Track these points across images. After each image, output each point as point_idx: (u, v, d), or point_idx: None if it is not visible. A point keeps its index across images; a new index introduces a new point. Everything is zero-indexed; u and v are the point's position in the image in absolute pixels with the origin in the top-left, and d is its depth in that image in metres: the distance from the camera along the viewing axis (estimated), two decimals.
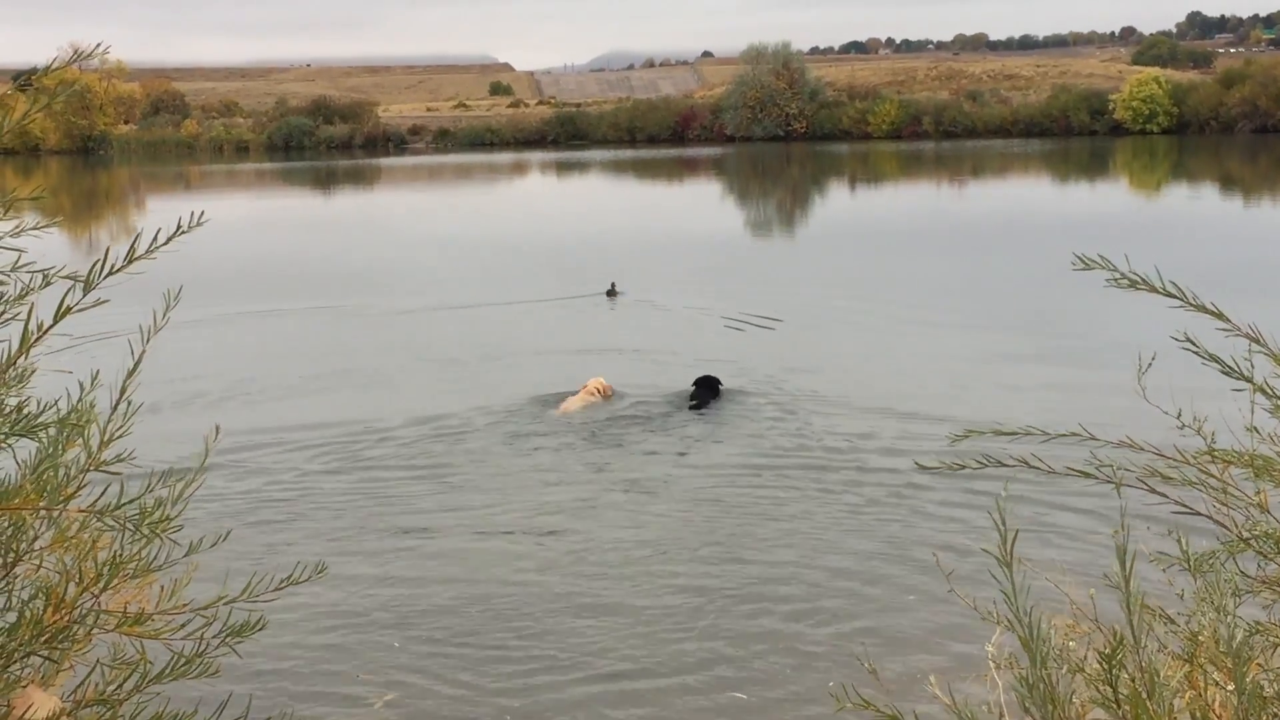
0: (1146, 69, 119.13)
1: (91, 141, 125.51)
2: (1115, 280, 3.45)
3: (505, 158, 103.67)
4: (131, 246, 2.89)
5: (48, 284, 2.99)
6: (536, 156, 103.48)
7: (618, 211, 54.75)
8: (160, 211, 58.06)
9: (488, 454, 16.09)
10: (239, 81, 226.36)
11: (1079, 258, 3.48)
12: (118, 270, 2.88)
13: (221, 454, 15.49)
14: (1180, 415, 4.05)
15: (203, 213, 3.03)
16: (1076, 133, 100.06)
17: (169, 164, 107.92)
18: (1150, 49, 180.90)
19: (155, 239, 2.94)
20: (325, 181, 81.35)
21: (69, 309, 2.86)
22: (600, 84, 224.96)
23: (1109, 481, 3.75)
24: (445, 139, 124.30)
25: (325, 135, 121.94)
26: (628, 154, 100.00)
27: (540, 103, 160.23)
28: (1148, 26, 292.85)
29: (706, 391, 18.60)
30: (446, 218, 54.04)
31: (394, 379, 20.58)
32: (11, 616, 3.05)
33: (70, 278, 2.90)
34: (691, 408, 18.19)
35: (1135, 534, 3.12)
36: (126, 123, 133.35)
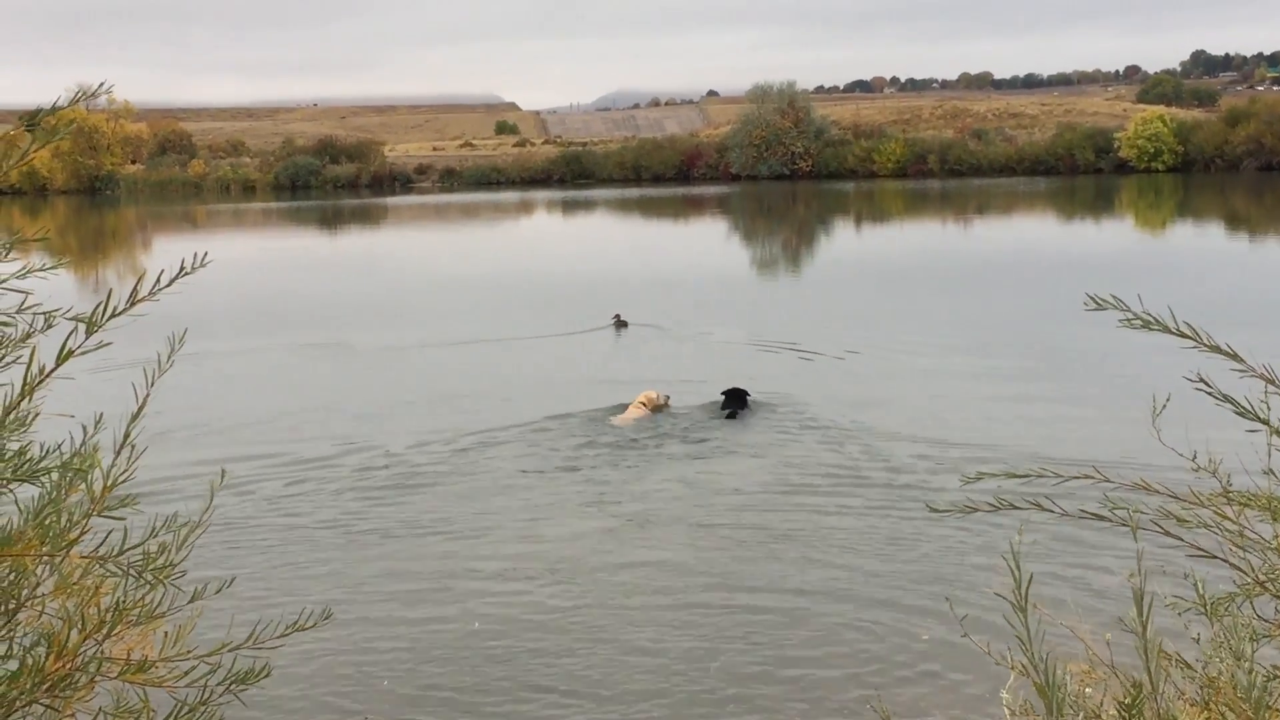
0: (1151, 107, 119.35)
1: (99, 181, 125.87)
2: (1128, 321, 3.41)
3: (511, 196, 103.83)
4: (135, 289, 2.86)
5: (50, 326, 2.95)
6: (542, 195, 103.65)
7: (627, 249, 54.72)
8: (166, 252, 58.26)
9: (499, 487, 16.13)
10: (246, 121, 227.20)
11: (1091, 298, 3.44)
12: (120, 313, 2.85)
13: (226, 490, 15.48)
14: (1195, 457, 4.01)
15: (206, 254, 3.00)
16: (1081, 171, 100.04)
17: (176, 204, 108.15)
18: (1155, 87, 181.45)
19: (158, 281, 2.91)
20: (332, 221, 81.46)
21: (71, 352, 2.83)
22: (606, 123, 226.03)
23: (1123, 524, 3.70)
24: (451, 178, 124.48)
25: (332, 175, 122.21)
26: (634, 192, 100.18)
27: (546, 142, 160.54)
28: (1152, 65, 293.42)
29: (736, 401, 19.92)
30: (456, 256, 54.10)
31: (403, 413, 20.54)
32: (13, 664, 3.01)
33: (74, 319, 2.87)
34: (727, 416, 19.50)
35: (1150, 577, 3.08)
36: (134, 162, 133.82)
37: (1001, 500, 3.85)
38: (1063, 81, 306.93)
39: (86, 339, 2.83)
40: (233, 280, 41.38)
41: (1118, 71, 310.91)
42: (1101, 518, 3.76)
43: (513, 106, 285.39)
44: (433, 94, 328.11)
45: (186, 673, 3.16)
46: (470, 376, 24.06)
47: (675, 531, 14.02)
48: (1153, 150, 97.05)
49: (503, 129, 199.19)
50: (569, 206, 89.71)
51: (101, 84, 3.04)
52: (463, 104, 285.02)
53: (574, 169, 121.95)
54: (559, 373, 24.38)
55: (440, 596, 12.20)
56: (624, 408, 19.89)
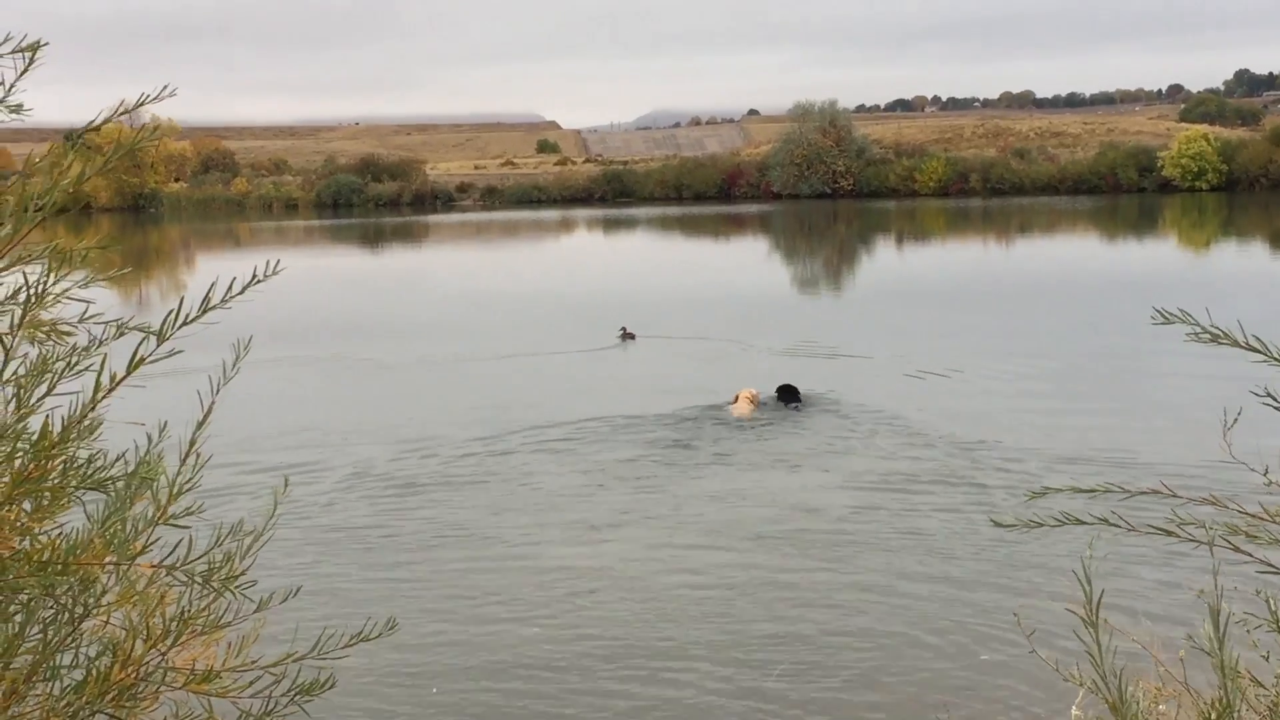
0: (1194, 126, 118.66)
1: (142, 199, 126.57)
2: (1196, 335, 3.37)
3: (552, 215, 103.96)
4: (206, 296, 2.85)
5: (120, 335, 2.95)
6: (583, 213, 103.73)
7: (666, 266, 54.68)
8: (211, 269, 58.60)
9: (555, 495, 16.28)
10: (289, 140, 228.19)
11: (1159, 311, 3.39)
12: (192, 320, 2.84)
13: (288, 501, 15.53)
14: (1267, 472, 3.95)
15: (278, 261, 2.99)
16: (1124, 190, 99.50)
17: (219, 221, 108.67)
18: (1198, 106, 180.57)
19: (230, 288, 2.90)
20: (373, 238, 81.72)
21: (143, 360, 2.82)
22: (647, 142, 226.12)
23: (1192, 540, 3.65)
24: (493, 196, 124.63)
25: (374, 193, 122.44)
26: (675, 210, 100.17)
27: (587, 160, 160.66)
28: (1195, 84, 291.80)
29: (791, 395, 21.47)
30: (497, 273, 54.15)
31: (451, 424, 20.62)
32: (78, 673, 3.00)
33: (144, 329, 2.86)
34: (794, 409, 21.02)
35: (1221, 594, 3.03)
36: (177, 180, 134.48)
37: (1067, 516, 3.80)
38: (1105, 100, 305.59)
39: (157, 347, 2.82)
40: (275, 296, 41.46)
41: (1160, 90, 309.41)
42: (1170, 534, 3.70)
43: (554, 125, 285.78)
44: (474, 113, 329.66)
45: (251, 683, 3.15)
46: (514, 388, 24.22)
47: (736, 540, 14.06)
48: (1196, 169, 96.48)
49: (544, 148, 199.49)
50: (610, 224, 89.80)
51: (143, 94, 3.01)
52: (504, 123, 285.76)
53: (615, 187, 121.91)
54: (608, 383, 24.56)
55: (496, 605, 12.21)
56: (731, 402, 21.26)
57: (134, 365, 2.80)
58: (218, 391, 3.10)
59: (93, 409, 2.93)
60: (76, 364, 2.88)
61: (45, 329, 3.12)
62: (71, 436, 2.81)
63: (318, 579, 13.05)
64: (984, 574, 12.64)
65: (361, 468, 17.83)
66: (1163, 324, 3.39)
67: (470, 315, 36.87)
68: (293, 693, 3.18)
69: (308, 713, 3.27)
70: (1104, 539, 3.96)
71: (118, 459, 2.92)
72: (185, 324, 2.79)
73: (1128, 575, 11.98)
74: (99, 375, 2.83)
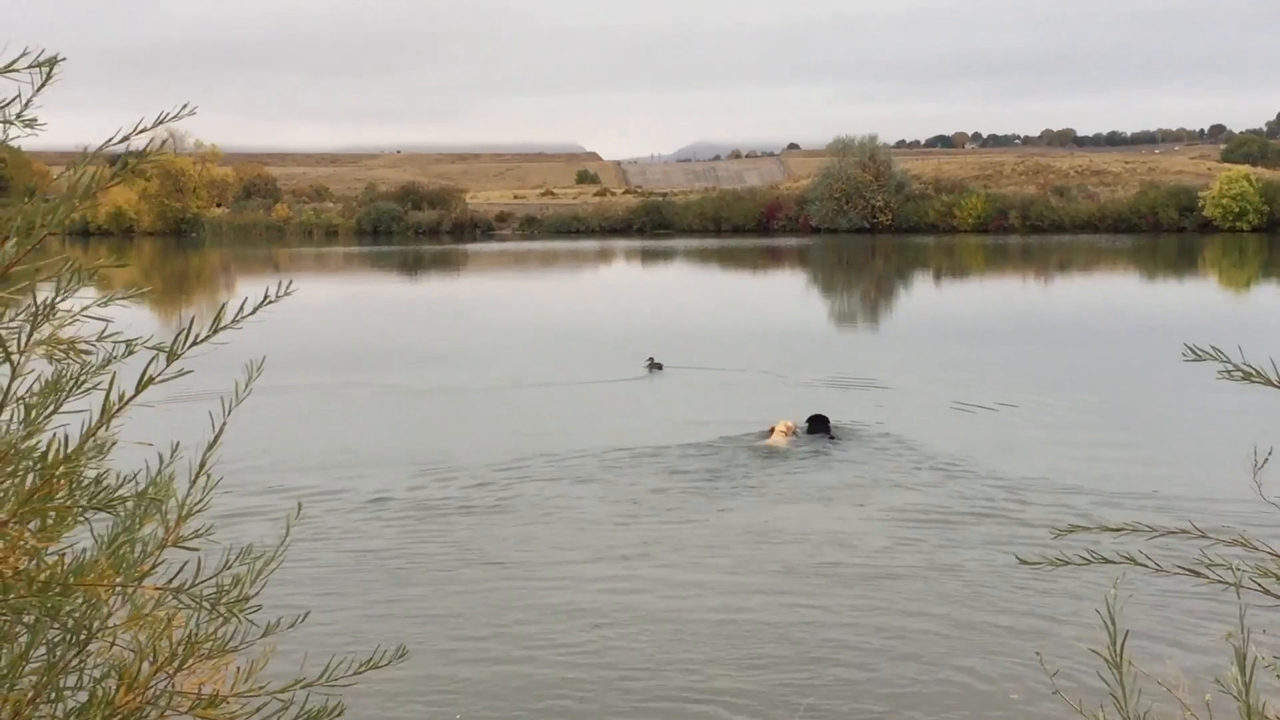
0: (1236, 166, 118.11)
1: (184, 224, 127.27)
2: (1228, 373, 3.31)
3: (591, 245, 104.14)
4: (217, 316, 2.81)
5: (131, 353, 2.91)
6: (622, 244, 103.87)
7: (705, 298, 54.61)
8: (249, 294, 58.72)
9: (577, 523, 16.20)
10: (330, 167, 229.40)
11: (1190, 348, 3.34)
12: (202, 340, 2.80)
13: (302, 524, 15.60)
14: None
15: (291, 282, 2.96)
16: (1165, 229, 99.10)
17: (259, 247, 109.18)
18: (1240, 146, 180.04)
19: (241, 309, 2.87)
20: (412, 266, 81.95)
21: (151, 379, 2.78)
22: (686, 174, 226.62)
23: (1221, 582, 3.58)
24: (532, 226, 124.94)
25: (413, 221, 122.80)
26: (713, 243, 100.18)
27: (626, 191, 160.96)
28: (1237, 124, 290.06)
29: (822, 425, 21.53)
30: (532, 303, 54.18)
31: (474, 451, 20.55)
32: (83, 696, 2.95)
33: (155, 348, 2.83)
34: (828, 440, 21.04)
35: (1249, 637, 2.98)
36: (219, 205, 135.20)
37: (1094, 554, 3.73)
38: (1147, 140, 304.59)
39: (167, 366, 2.78)
40: (310, 321, 41.96)
41: (1202, 130, 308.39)
42: (1198, 574, 3.63)
43: (594, 156, 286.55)
44: (515, 143, 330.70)
45: (259, 709, 3.11)
46: (542, 417, 24.19)
47: (764, 573, 13.97)
48: (1238, 209, 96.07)
49: (584, 178, 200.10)
50: (647, 256, 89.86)
51: (185, 105, 2.99)
52: (545, 153, 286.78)
53: (654, 219, 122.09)
54: (637, 413, 24.53)
55: (520, 634, 12.12)
56: (768, 434, 21.23)
57: (143, 384, 2.76)
58: (229, 414, 3.07)
59: (105, 427, 2.90)
60: (84, 382, 2.84)
61: (64, 346, 3.10)
62: (78, 455, 2.77)
63: (339, 603, 13.03)
64: (1011, 611, 12.51)
65: (386, 493, 17.82)
66: (1194, 361, 3.35)
67: (501, 344, 36.83)
68: (300, 719, 3.14)
69: None
70: (1132, 578, 3.89)
71: (124, 480, 2.88)
72: (195, 344, 2.76)
73: (1154, 615, 11.85)
74: (107, 394, 2.79)
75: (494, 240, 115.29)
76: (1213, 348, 3.33)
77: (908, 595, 13.12)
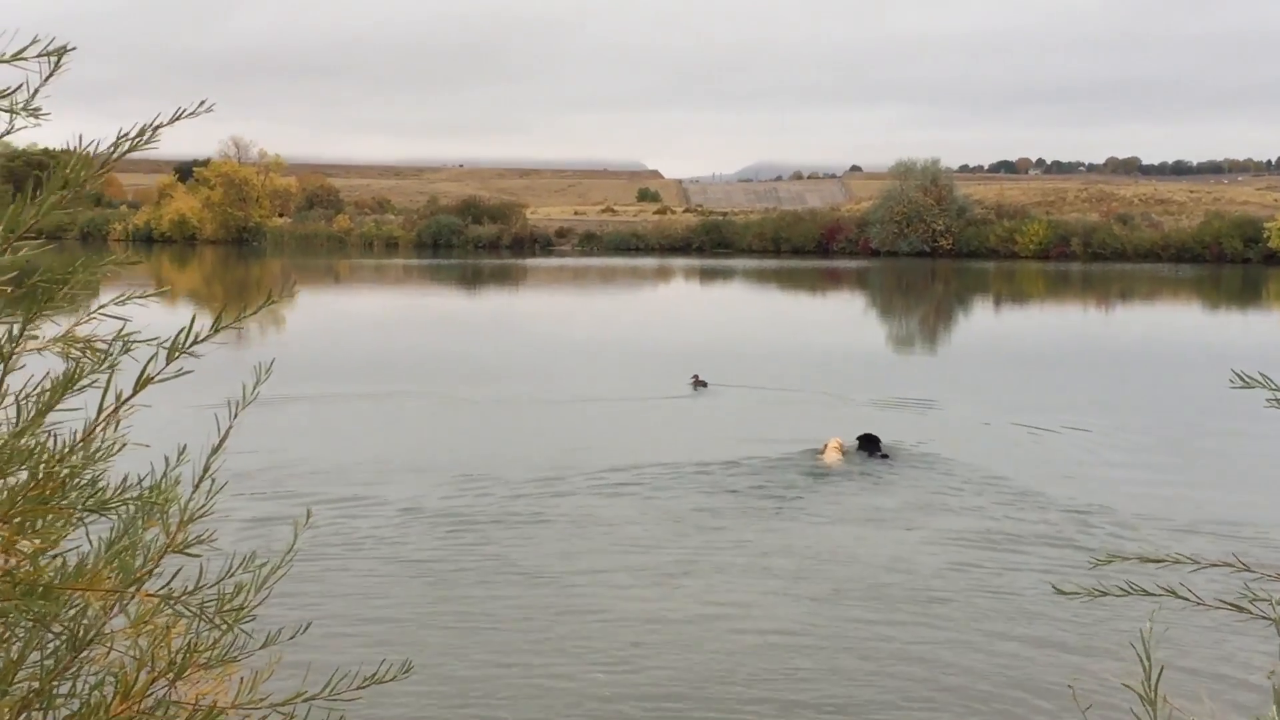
0: None
1: (246, 232, 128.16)
2: (1277, 400, 3.22)
3: (650, 262, 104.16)
4: (219, 315, 2.73)
5: (127, 350, 2.83)
6: (681, 262, 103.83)
7: (759, 317, 54.48)
8: (308, 304, 59.28)
9: (606, 538, 16.13)
10: (392, 180, 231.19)
11: (1239, 375, 3.25)
12: (204, 339, 2.72)
13: (317, 532, 15.68)
14: None
15: (294, 281, 2.88)
16: (1229, 260, 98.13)
17: (320, 257, 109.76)
18: None
19: (244, 309, 2.79)
20: (471, 280, 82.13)
21: (150, 378, 2.70)
22: (747, 194, 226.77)
23: (1264, 618, 3.45)
24: (591, 242, 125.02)
25: (473, 234, 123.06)
26: (771, 263, 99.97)
27: (687, 210, 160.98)
28: None
29: (872, 444, 21.49)
30: (589, 319, 54.18)
31: (503, 463, 20.55)
32: (75, 703, 2.87)
33: (152, 342, 2.74)
34: (882, 458, 21.09)
35: None
36: (281, 215, 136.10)
37: (1134, 586, 3.62)
38: (1213, 169, 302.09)
39: (167, 365, 2.71)
40: (366, 332, 42.28)
41: (1270, 161, 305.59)
42: (1241, 609, 3.50)
43: (655, 174, 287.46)
44: (577, 159, 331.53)
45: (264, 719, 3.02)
46: (585, 432, 24.21)
47: (807, 593, 13.85)
48: None
49: (644, 196, 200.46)
50: (706, 274, 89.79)
51: (202, 103, 2.91)
52: (606, 170, 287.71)
53: (713, 238, 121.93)
54: (687, 430, 24.51)
55: (557, 648, 12.04)
56: (820, 451, 21.38)
57: (141, 383, 2.68)
58: (235, 417, 2.99)
59: (104, 426, 2.82)
60: (78, 381, 2.76)
61: (80, 344, 3.03)
62: (71, 455, 2.69)
63: (372, 613, 13.00)
64: (1048, 641, 12.34)
65: (422, 503, 17.84)
66: (1242, 388, 3.26)
67: (553, 359, 36.82)
68: None
69: None
70: (1173, 611, 3.77)
71: (125, 482, 2.79)
72: (197, 342, 2.68)
73: (1194, 651, 11.65)
74: (104, 393, 2.72)
75: (553, 255, 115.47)
76: (1261, 374, 3.24)
77: (950, 621, 12.97)
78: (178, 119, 2.86)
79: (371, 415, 25.98)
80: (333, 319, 51.36)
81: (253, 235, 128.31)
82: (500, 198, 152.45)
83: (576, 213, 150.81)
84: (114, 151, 2.59)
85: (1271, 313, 62.90)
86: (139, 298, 3.15)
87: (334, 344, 41.09)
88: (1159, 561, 3.64)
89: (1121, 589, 3.62)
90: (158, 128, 2.73)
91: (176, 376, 2.73)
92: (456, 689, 10.96)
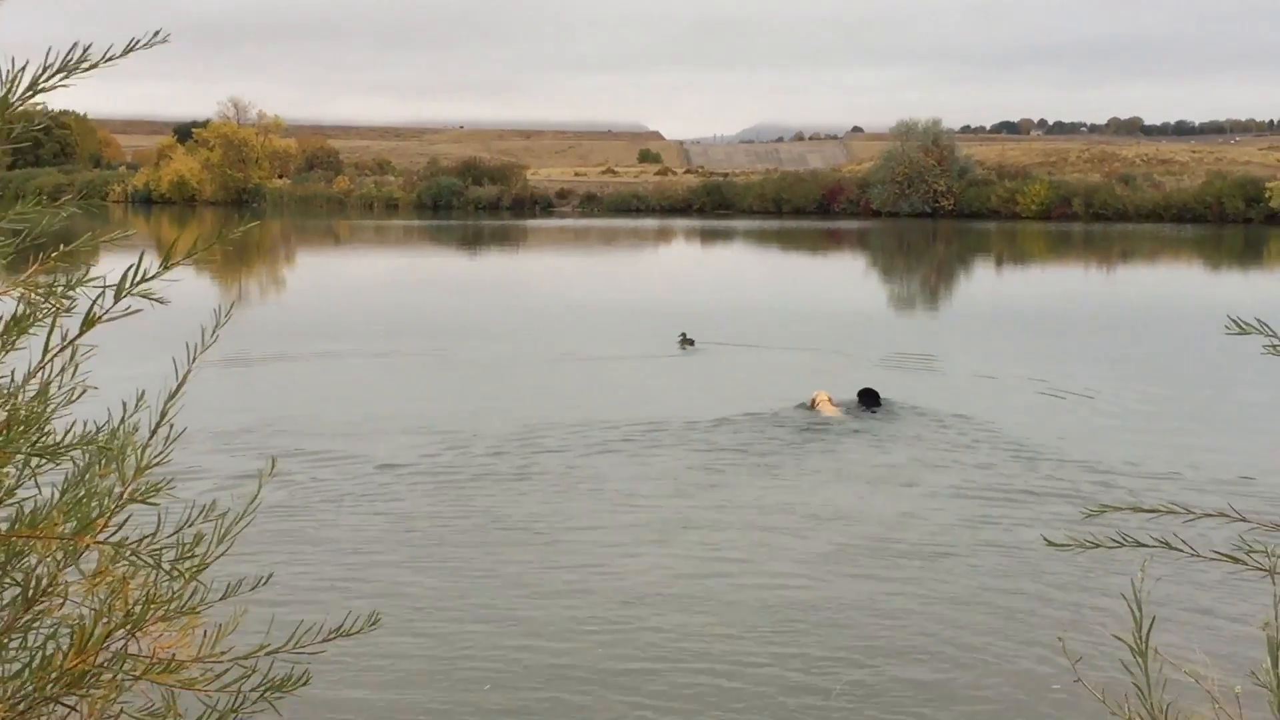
0: None
1: (245, 194, 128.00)
2: (1274, 348, 3.14)
3: (651, 223, 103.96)
4: (168, 253, 2.63)
5: (70, 291, 2.73)
6: (682, 223, 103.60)
7: (758, 278, 54.35)
8: (309, 265, 59.18)
9: (587, 496, 16.05)
10: (393, 141, 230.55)
11: (1235, 321, 3.17)
12: (152, 278, 2.62)
13: (299, 488, 15.66)
14: None
15: (251, 219, 2.78)
16: (1231, 220, 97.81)
17: (320, 218, 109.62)
18: None
19: (194, 246, 2.68)
20: (471, 241, 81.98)
21: (98, 318, 2.60)
22: (748, 155, 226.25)
23: (1258, 568, 3.36)
24: (592, 203, 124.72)
25: (474, 196, 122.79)
26: (772, 224, 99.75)
27: (688, 171, 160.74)
28: None
29: (871, 398, 21.57)
30: (588, 278, 54.08)
31: (493, 420, 20.48)
32: (27, 656, 2.77)
33: (98, 284, 2.64)
34: (873, 411, 21.15)
35: None
36: (281, 177, 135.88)
37: (1125, 537, 3.53)
38: (1215, 130, 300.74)
39: (115, 304, 2.61)
40: (364, 291, 42.34)
41: (1272, 121, 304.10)
42: (1235, 560, 3.42)
43: (656, 135, 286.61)
44: (578, 120, 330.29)
45: (219, 675, 2.92)
46: (577, 390, 24.16)
47: (803, 549, 13.77)
48: None
49: (645, 157, 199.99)
50: (706, 235, 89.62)
51: (156, 33, 2.79)
52: (607, 131, 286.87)
53: (714, 199, 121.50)
54: (679, 388, 24.45)
55: (550, 607, 11.95)
56: (810, 405, 21.36)
57: (88, 322, 2.59)
58: (194, 361, 2.88)
59: (50, 372, 2.73)
60: (30, 323, 2.66)
61: (42, 290, 2.93)
62: (15, 398, 2.59)
63: (346, 569, 12.94)
64: (1035, 593, 12.28)
65: (402, 460, 17.73)
66: (1237, 334, 3.19)
67: (549, 319, 36.71)
68: (263, 688, 2.95)
69: (277, 710, 3.03)
70: (1169, 564, 3.69)
71: (72, 429, 2.69)
72: (145, 280, 2.58)
73: (1186, 603, 11.58)
74: (49, 335, 2.62)
75: (554, 217, 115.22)
76: (1258, 320, 3.18)
77: (946, 576, 12.91)
78: (130, 50, 2.74)
79: (363, 374, 25.94)
80: (331, 279, 51.37)
81: (252, 196, 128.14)
82: (501, 159, 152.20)
83: (577, 174, 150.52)
84: (43, 73, 2.48)
85: (1273, 272, 62.75)
86: (105, 240, 3.04)
87: (331, 304, 41.10)
88: (1153, 512, 3.57)
89: (1114, 540, 3.54)
90: (86, 52, 2.62)
91: (125, 315, 2.63)
92: (436, 645, 10.89)
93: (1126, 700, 3.22)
